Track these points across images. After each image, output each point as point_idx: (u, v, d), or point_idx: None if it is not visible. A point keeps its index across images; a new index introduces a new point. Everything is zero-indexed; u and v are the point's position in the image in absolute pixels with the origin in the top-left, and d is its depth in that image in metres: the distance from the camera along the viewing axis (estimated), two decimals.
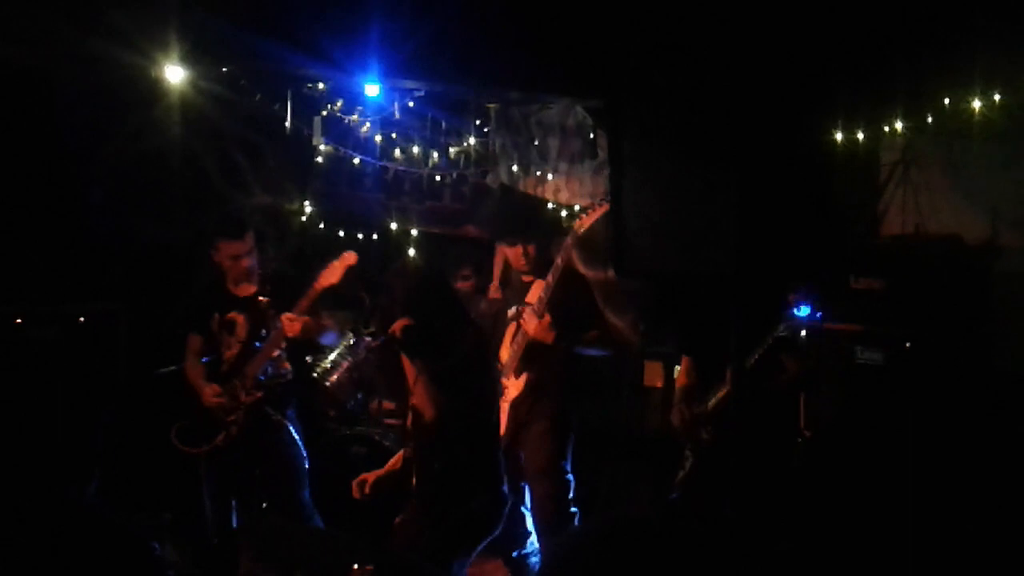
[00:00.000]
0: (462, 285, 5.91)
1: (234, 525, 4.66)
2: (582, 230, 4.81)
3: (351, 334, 5.98)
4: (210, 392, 4.58)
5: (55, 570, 2.39)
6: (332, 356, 5.96)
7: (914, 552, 4.35)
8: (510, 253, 5.11)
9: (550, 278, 4.80)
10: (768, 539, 4.34)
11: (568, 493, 5.03)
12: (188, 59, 5.22)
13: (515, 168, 7.39)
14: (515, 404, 4.97)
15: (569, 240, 4.84)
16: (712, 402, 4.62)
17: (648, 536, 1.97)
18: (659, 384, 6.28)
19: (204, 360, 4.80)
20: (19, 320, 5.55)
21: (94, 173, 5.68)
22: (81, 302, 5.73)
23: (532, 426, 5.01)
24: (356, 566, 3.65)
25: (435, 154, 7.42)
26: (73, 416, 5.36)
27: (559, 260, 4.81)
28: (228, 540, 4.59)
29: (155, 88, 5.33)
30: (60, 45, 4.84)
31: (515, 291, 5.19)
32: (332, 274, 4.63)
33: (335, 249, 4.86)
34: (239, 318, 4.65)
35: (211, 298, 4.73)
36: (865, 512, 4.56)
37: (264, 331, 4.64)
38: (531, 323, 4.79)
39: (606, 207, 4.65)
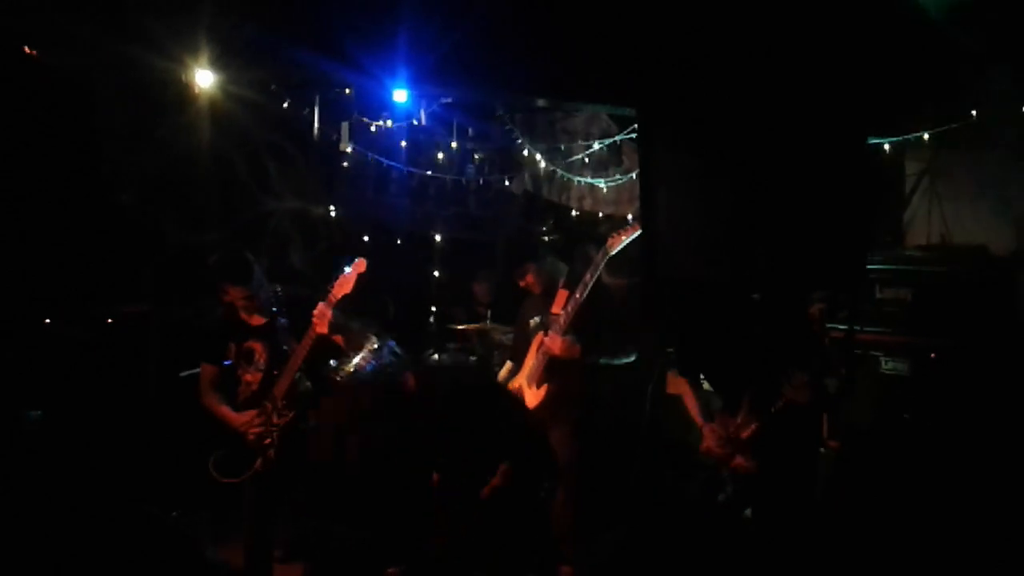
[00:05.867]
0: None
1: (270, 532, 4.64)
2: (614, 249, 4.77)
3: (374, 338, 5.96)
4: (244, 420, 4.49)
5: (100, 565, 2.43)
6: (356, 360, 5.95)
7: (940, 560, 4.36)
8: (519, 283, 5.22)
9: (578, 294, 4.79)
10: (795, 549, 4.36)
11: (587, 499, 5.04)
12: (218, 64, 5.28)
13: (539, 175, 7.43)
14: (535, 412, 5.00)
15: (600, 257, 4.80)
16: (747, 432, 4.56)
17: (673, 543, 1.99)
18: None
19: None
20: (48, 320, 5.63)
21: (127, 176, 5.73)
22: (111, 304, 5.78)
23: (552, 432, 5.03)
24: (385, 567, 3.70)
25: (460, 160, 7.45)
26: (103, 414, 5.45)
27: (588, 276, 4.77)
28: (264, 546, 4.59)
29: (186, 93, 5.38)
30: (97, 51, 4.90)
31: (538, 301, 5.22)
32: (346, 284, 4.58)
33: (360, 254, 4.85)
34: (257, 346, 4.57)
35: (225, 328, 4.60)
36: (892, 521, 4.56)
37: (284, 354, 4.59)
38: (555, 343, 4.82)
39: (638, 228, 4.60)
